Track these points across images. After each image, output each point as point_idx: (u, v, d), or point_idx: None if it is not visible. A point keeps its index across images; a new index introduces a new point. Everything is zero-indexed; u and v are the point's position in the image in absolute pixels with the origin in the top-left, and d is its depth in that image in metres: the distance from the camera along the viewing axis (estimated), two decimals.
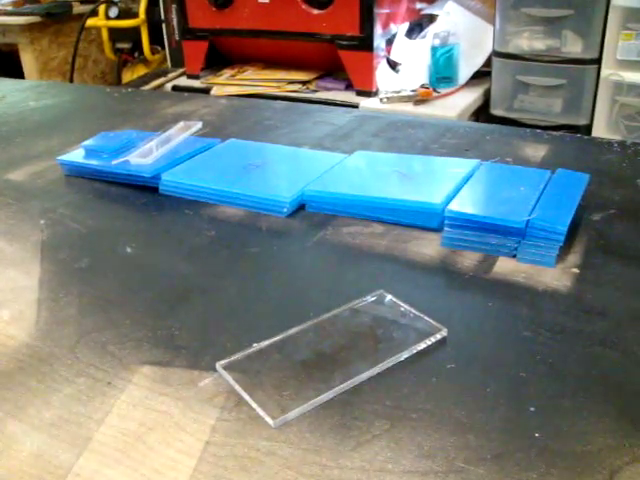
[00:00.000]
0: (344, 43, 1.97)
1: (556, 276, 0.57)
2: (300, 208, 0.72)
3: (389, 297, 0.54)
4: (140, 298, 0.57)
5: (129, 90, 1.33)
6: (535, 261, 0.59)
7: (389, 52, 2.02)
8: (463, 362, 0.47)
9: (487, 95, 2.00)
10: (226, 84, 2.15)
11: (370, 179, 0.76)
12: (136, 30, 2.61)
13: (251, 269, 0.61)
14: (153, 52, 2.70)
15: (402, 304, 0.53)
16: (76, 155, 0.86)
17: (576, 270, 0.58)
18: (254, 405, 0.43)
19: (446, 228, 0.63)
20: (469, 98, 1.93)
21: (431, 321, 0.50)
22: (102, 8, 2.62)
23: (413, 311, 0.52)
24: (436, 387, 0.44)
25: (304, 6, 2.00)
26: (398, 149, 0.88)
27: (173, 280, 0.59)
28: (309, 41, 2.04)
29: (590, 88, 1.82)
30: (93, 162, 0.83)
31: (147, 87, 2.32)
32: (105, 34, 2.71)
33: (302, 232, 0.67)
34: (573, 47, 1.82)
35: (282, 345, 0.49)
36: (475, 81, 2.02)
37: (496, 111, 2.00)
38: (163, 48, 2.65)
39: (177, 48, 2.51)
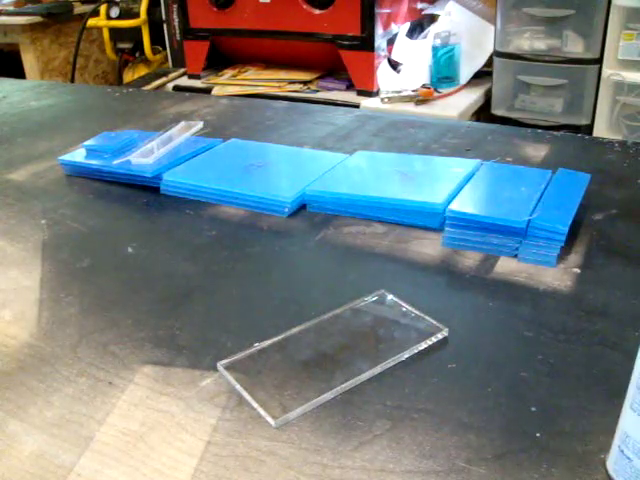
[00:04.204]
0: (345, 43, 1.97)
1: (557, 276, 0.57)
2: (301, 208, 0.72)
3: (390, 297, 0.54)
4: (141, 298, 0.57)
5: (130, 90, 1.33)
6: (536, 261, 0.59)
7: (390, 52, 2.02)
8: (464, 362, 0.47)
9: (488, 95, 2.00)
10: (227, 84, 2.15)
11: (371, 179, 0.76)
12: (137, 30, 2.61)
13: (252, 269, 0.61)
14: (154, 52, 2.70)
15: (403, 304, 0.53)
16: (77, 155, 0.86)
17: (577, 270, 0.58)
18: (255, 405, 0.43)
19: (447, 228, 0.63)
20: (470, 98, 1.93)
21: (432, 321, 0.50)
22: (103, 8, 2.62)
23: (414, 311, 0.52)
24: (437, 387, 0.44)
25: (305, 6, 2.00)
26: (399, 149, 0.88)
27: (174, 280, 0.59)
28: (310, 41, 2.04)
29: (591, 88, 1.82)
30: (94, 162, 0.83)
31: (148, 87, 2.32)
32: (106, 34, 2.71)
33: (303, 232, 0.67)
34: (574, 47, 1.82)
35: (283, 345, 0.49)
36: (476, 81, 2.02)
37: (497, 111, 1.99)
38: (164, 48, 2.65)
39: (178, 48, 2.51)
